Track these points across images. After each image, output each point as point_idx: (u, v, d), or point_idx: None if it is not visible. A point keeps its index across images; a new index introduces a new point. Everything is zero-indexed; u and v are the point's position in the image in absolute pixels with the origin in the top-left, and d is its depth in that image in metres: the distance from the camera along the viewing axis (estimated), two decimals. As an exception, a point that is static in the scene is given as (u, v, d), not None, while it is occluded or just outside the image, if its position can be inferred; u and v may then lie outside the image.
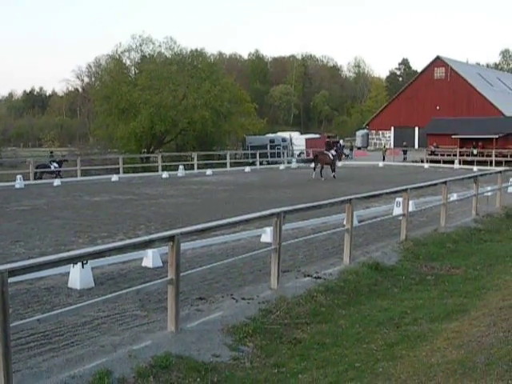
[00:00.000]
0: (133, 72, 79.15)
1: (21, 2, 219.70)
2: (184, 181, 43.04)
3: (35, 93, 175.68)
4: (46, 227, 21.05)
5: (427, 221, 22.17)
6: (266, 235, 17.09)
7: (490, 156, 60.57)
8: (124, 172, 48.25)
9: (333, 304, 12.14)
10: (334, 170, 43.70)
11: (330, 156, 43.70)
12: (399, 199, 20.35)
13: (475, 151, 64.29)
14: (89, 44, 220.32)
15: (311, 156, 57.44)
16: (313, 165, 44.33)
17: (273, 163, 63.29)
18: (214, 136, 73.36)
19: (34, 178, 43.26)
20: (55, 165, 46.45)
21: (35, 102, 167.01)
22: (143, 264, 14.71)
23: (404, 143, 74.89)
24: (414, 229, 19.89)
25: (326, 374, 8.55)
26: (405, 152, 70.30)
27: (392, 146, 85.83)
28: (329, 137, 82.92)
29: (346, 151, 76.94)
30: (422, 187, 21.47)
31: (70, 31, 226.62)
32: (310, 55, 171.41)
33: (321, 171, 43.03)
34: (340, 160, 49.87)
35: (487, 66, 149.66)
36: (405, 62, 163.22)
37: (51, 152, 55.73)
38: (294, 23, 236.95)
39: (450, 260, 16.38)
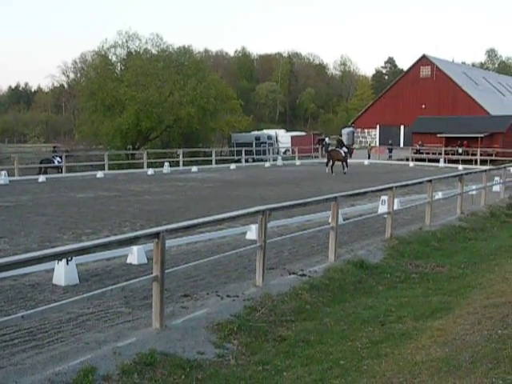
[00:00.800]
0: (119, 68, 78.92)
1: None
2: (169, 178, 42.95)
3: (20, 88, 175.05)
4: (30, 223, 20.97)
5: (412, 219, 22.22)
6: (252, 232, 17.11)
7: (475, 155, 60.73)
8: (109, 168, 48.12)
9: (318, 301, 12.15)
10: (345, 166, 46.02)
11: (342, 153, 46.09)
12: (384, 197, 20.41)
13: (460, 150, 64.46)
14: (75, 40, 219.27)
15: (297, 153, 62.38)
16: (329, 163, 46.50)
17: (258, 160, 63.36)
18: (199, 133, 73.34)
19: (39, 173, 43.73)
20: (58, 159, 46.80)
21: (20, 97, 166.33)
22: (128, 261, 14.68)
23: (390, 141, 75.01)
24: (399, 227, 19.93)
25: (310, 371, 8.56)
26: (390, 150, 70.43)
27: (377, 144, 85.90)
28: (315, 134, 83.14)
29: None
30: (407, 185, 21.51)
31: (56, 27, 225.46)
32: (296, 53, 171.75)
33: (332, 167, 45.64)
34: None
35: (473, 65, 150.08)
36: (391, 61, 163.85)
37: (54, 147, 56.09)
38: (280, 21, 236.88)
39: (435, 258, 16.43)
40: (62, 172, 45.40)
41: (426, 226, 20.36)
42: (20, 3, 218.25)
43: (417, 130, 74.31)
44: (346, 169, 45.89)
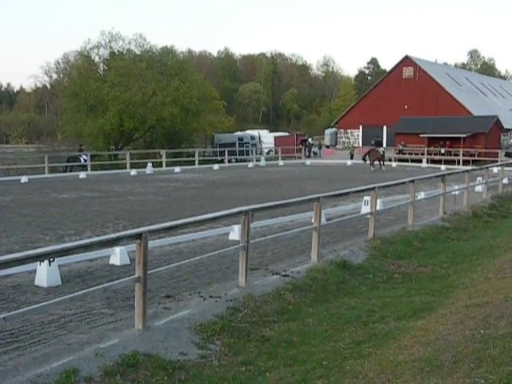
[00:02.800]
0: (101, 69, 78.58)
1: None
2: (152, 178, 42.92)
3: (2, 89, 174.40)
4: (12, 224, 20.89)
5: (395, 219, 22.27)
6: (234, 233, 17.09)
7: (458, 155, 60.94)
8: (92, 169, 48.08)
9: (300, 302, 12.16)
10: (383, 165, 52.64)
11: (380, 152, 52.94)
12: (367, 198, 20.45)
13: (443, 150, 64.63)
14: (57, 40, 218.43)
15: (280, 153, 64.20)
16: (367, 160, 53.25)
17: (241, 161, 63.38)
18: (182, 133, 73.22)
19: (65, 171, 46.76)
20: (84, 157, 49.25)
21: (2, 97, 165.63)
22: (111, 262, 14.65)
23: (372, 142, 75.27)
24: (382, 227, 19.98)
25: (293, 371, 8.57)
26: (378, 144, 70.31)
27: (360, 144, 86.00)
28: (298, 135, 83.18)
29: (315, 149, 77.20)
30: (389, 186, 21.57)
31: (38, 27, 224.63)
32: (279, 53, 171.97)
33: (371, 163, 52.17)
34: (309, 157, 60.09)
35: (455, 65, 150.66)
36: (374, 61, 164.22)
37: (81, 145, 59.19)
38: (263, 21, 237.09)
39: (418, 258, 16.49)
40: (87, 170, 47.01)
41: (409, 226, 20.43)
42: (1, 3, 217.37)
43: (399, 130, 74.42)
44: (383, 167, 52.15)
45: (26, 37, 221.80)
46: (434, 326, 9.61)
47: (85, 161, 48.31)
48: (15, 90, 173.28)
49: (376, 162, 52.46)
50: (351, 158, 66.71)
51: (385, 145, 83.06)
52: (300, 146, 73.98)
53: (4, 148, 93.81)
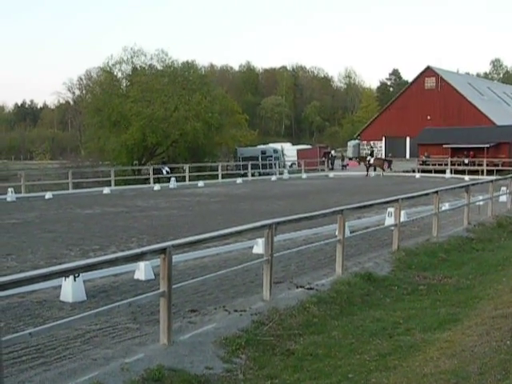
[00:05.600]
0: (124, 84, 79.00)
1: (12, 15, 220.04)
2: (176, 193, 43.03)
3: (26, 105, 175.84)
4: (37, 240, 20.98)
5: (419, 231, 22.18)
6: (258, 246, 17.06)
7: (482, 165, 60.66)
8: (116, 184, 48.29)
9: (325, 315, 12.13)
10: (384, 170, 61.43)
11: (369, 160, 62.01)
12: (391, 209, 20.36)
13: (466, 160, 64.36)
14: (80, 57, 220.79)
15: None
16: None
17: (264, 174, 63.28)
18: (205, 148, 73.34)
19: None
20: (167, 169, 53.80)
21: (26, 114, 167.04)
22: (135, 277, 14.67)
23: (389, 154, 75.23)
24: (406, 239, 19.90)
25: (319, 385, 8.55)
26: (390, 163, 70.18)
27: (383, 156, 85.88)
28: (321, 147, 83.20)
29: (344, 163, 77.17)
30: (413, 197, 21.49)
31: (61, 44, 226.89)
32: (301, 66, 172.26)
33: (377, 169, 61.75)
34: (332, 169, 64.67)
35: (477, 75, 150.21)
36: (395, 73, 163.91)
37: (163, 158, 65.94)
38: (284, 35, 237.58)
39: (443, 270, 16.41)
40: (169, 181, 49.96)
41: (433, 237, 20.33)
42: (26, 21, 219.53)
43: (422, 141, 74.25)
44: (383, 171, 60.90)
45: (49, 54, 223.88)
46: (459, 338, 9.56)
47: (167, 172, 51.02)
48: (39, 107, 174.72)
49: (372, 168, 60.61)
50: (374, 169, 66.54)
51: (408, 156, 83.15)
52: (323, 159, 73.92)
53: (29, 164, 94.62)
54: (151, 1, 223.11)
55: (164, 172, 53.06)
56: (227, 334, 10.39)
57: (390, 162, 65.24)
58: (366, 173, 61.26)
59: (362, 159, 65.21)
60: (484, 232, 22.18)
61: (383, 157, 77.91)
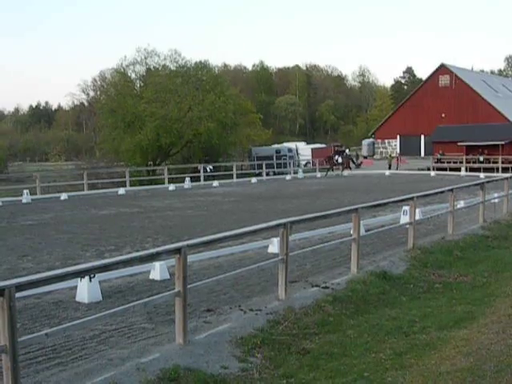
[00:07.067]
0: (138, 85, 79.26)
1: (25, 16, 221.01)
2: (191, 193, 43.10)
3: (41, 107, 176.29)
4: (53, 241, 21.06)
5: (434, 229, 22.13)
6: (273, 246, 17.05)
7: (497, 162, 60.52)
8: (130, 185, 48.36)
9: (341, 314, 12.11)
10: (350, 169, 62.24)
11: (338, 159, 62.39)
12: (406, 207, 20.32)
13: (481, 158, 64.21)
14: (94, 58, 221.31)
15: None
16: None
17: (279, 174, 63.29)
18: (219, 147, 73.44)
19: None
20: (210, 167, 56.25)
21: (41, 116, 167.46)
22: (150, 277, 14.71)
23: (399, 152, 75.21)
24: (422, 237, 19.84)
25: (334, 384, 8.54)
26: (356, 159, 70.32)
27: (398, 154, 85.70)
28: (335, 146, 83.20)
29: (358, 161, 77.09)
30: (428, 195, 21.44)
31: (74, 45, 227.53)
32: (314, 65, 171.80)
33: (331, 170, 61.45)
34: (350, 169, 64.84)
35: (491, 72, 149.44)
36: (409, 71, 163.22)
37: (206, 156, 68.65)
38: (297, 34, 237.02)
39: (458, 267, 16.36)
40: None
41: (449, 235, 20.28)
42: (40, 23, 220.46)
43: (437, 139, 74.12)
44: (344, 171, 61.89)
45: (63, 56, 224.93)
46: (475, 336, 9.53)
47: (210, 170, 51.92)
48: (53, 109, 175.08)
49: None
50: (389, 168, 66.46)
51: (422, 154, 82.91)
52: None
53: (44, 166, 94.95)
54: (164, 1, 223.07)
55: (208, 170, 54.89)
56: (243, 334, 10.40)
57: (356, 159, 70.41)
58: (326, 173, 61.08)
59: (329, 159, 63.59)
60: (499, 230, 22.09)
61: (395, 154, 77.78)
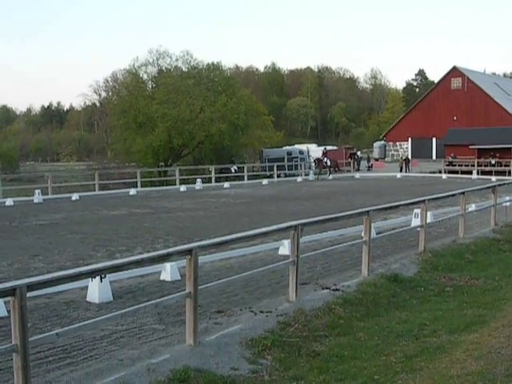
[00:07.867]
0: (150, 86, 79.45)
1: (37, 16, 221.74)
2: (202, 194, 43.12)
3: (53, 108, 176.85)
4: (64, 241, 21.10)
5: (446, 232, 22.08)
6: (284, 248, 17.04)
7: (509, 166, 60.30)
8: (142, 186, 48.41)
9: (351, 316, 12.10)
10: (330, 173, 60.58)
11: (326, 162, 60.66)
12: (417, 210, 20.27)
13: (493, 161, 64.02)
14: (106, 59, 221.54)
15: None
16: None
17: (290, 176, 63.23)
18: (231, 149, 73.49)
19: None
20: (235, 168, 58.02)
21: (53, 116, 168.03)
22: (161, 277, 14.72)
23: (406, 155, 75.11)
24: (433, 240, 19.81)
25: (344, 386, 8.53)
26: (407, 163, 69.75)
27: (410, 157, 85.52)
28: (347, 148, 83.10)
29: (364, 162, 76.91)
30: (440, 198, 21.39)
31: (87, 46, 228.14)
32: (326, 67, 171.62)
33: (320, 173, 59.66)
34: (358, 170, 66.55)
35: (504, 75, 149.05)
36: (421, 73, 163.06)
37: (232, 156, 71.40)
38: (309, 35, 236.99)
39: (469, 271, 16.32)
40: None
41: (460, 238, 20.23)
42: (52, 23, 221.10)
43: (449, 142, 73.98)
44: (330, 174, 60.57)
45: (75, 56, 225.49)
46: (486, 340, 9.51)
47: (235, 171, 52.98)
48: (65, 109, 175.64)
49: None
50: (400, 170, 66.33)
51: (434, 157, 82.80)
52: (349, 160, 73.78)
53: (55, 166, 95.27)
54: (176, 3, 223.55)
55: (232, 170, 56.59)
56: (253, 335, 10.40)
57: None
58: (317, 176, 59.61)
59: (319, 161, 61.78)
60: (511, 233, 22.03)
61: (405, 157, 77.64)
